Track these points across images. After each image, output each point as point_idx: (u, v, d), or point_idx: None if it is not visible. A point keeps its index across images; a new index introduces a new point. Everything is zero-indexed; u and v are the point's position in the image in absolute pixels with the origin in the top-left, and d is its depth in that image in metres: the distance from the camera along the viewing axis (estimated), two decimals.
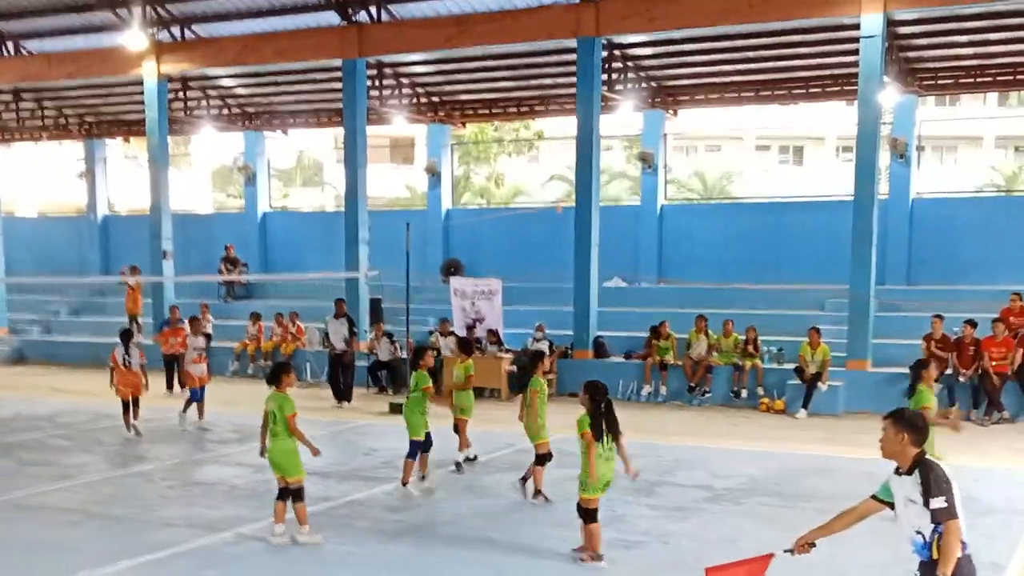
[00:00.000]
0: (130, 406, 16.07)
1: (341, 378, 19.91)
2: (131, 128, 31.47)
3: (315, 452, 9.81)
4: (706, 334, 19.85)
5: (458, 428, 13.34)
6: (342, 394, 19.76)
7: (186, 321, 19.77)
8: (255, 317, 24.19)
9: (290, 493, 9.74)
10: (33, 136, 32.98)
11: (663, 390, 19.98)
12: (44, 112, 30.62)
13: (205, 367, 17.33)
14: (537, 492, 11.47)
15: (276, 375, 9.85)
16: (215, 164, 50.88)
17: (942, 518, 5.46)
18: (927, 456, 5.64)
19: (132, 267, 27.01)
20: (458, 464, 13.23)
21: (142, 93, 25.64)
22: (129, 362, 16.22)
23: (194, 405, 16.94)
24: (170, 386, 21.05)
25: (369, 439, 15.80)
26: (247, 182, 31.25)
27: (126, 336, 16.69)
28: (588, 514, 8.88)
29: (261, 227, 30.81)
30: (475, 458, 13.60)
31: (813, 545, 6.01)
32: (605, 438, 8.74)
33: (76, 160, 36.52)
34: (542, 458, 11.59)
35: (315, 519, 10.82)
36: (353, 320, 20.49)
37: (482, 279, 22.85)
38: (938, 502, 5.45)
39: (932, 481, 5.50)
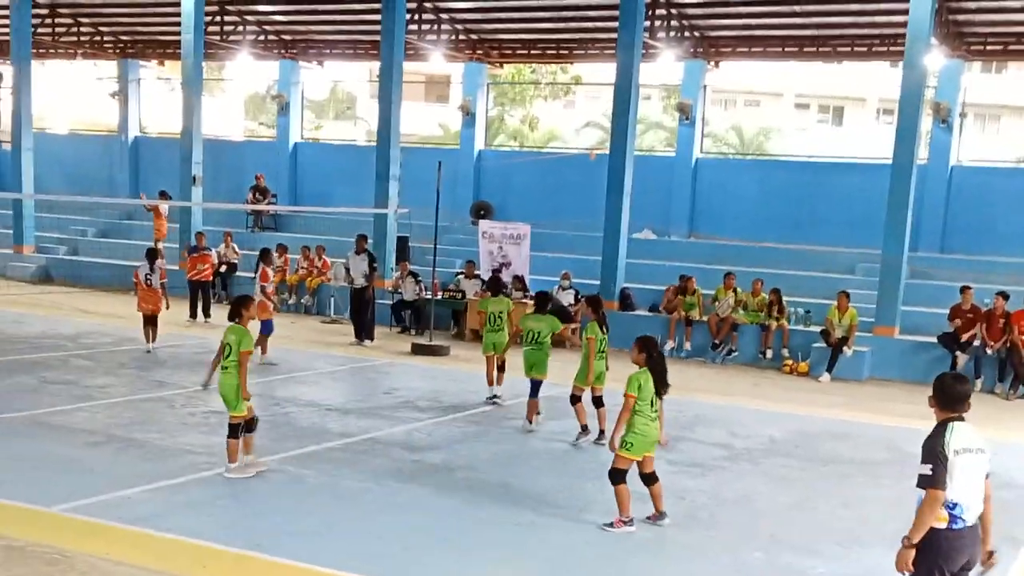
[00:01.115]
0: (149, 323, 16.44)
1: (359, 315, 19.74)
2: (166, 50, 31.27)
3: (246, 396, 9.57)
4: (734, 291, 19.67)
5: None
6: (363, 331, 19.57)
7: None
8: (281, 249, 24.12)
9: (244, 428, 9.61)
10: (68, 54, 32.87)
11: (687, 346, 19.84)
12: (80, 30, 30.50)
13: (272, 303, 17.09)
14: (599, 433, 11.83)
15: (237, 309, 9.74)
16: (249, 91, 50.73)
17: (921, 484, 5.45)
18: (950, 421, 5.54)
19: (162, 192, 26.93)
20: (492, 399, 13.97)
21: (179, 14, 25.43)
22: (151, 280, 16.57)
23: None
24: (194, 314, 21.00)
25: (390, 379, 15.78)
26: (280, 112, 31.09)
27: (151, 255, 16.99)
28: (615, 474, 8.58)
29: (292, 158, 30.69)
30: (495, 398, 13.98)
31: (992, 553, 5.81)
32: (659, 398, 8.55)
33: (109, 79, 36.44)
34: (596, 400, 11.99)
35: (333, 454, 10.89)
36: (374, 256, 20.31)
37: (511, 223, 22.69)
38: (923, 468, 5.45)
39: (925, 447, 5.51)
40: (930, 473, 5.38)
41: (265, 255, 17.89)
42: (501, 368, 14.02)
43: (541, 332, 12.63)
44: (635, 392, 8.45)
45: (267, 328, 16.40)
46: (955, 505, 5.34)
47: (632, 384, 8.49)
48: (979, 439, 5.59)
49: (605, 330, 11.79)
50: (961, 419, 5.53)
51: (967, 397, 5.61)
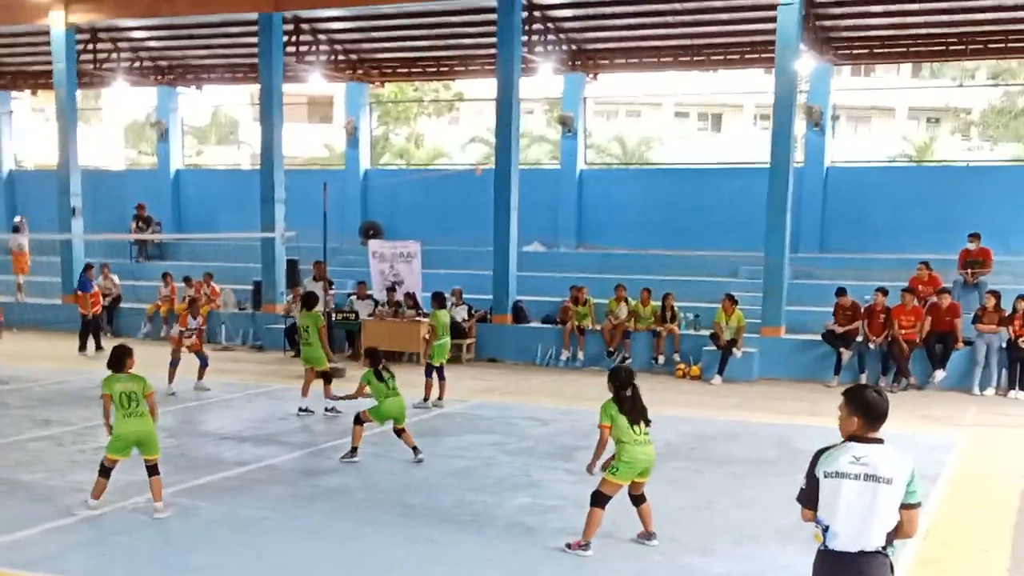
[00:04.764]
0: None
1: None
2: (38, 80, 30.48)
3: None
4: (626, 302, 19.96)
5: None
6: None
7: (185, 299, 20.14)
8: (167, 278, 23.71)
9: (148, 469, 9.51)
10: None
11: (580, 355, 20.06)
12: None
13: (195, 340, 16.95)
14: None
15: (123, 360, 9.61)
16: (127, 119, 49.69)
17: (797, 498, 5.48)
18: (845, 442, 5.32)
19: (15, 227, 26.43)
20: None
21: (49, 44, 24.85)
22: None
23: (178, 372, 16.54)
24: (84, 347, 20.70)
25: (285, 404, 15.58)
26: (160, 139, 30.53)
27: None
28: (597, 496, 8.45)
29: (175, 185, 30.17)
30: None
31: None
32: (641, 423, 8.45)
33: None
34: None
35: (229, 483, 10.73)
36: (332, 282, 20.15)
37: (401, 242, 22.62)
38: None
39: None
40: (799, 490, 5.42)
41: (192, 303, 17.65)
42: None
43: (447, 326, 15.77)
44: (607, 422, 8.40)
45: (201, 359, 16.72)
46: (826, 528, 5.26)
47: (603, 415, 8.45)
48: (883, 467, 5.18)
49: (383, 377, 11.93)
50: (864, 440, 5.26)
51: (879, 412, 5.29)
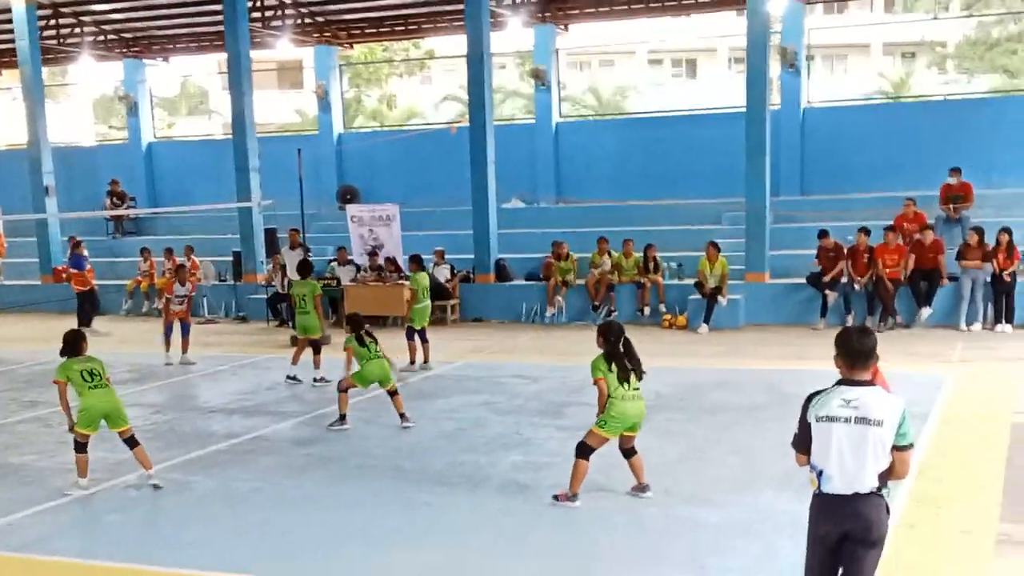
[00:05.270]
0: None
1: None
2: (2, 59, 30.04)
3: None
4: (608, 254, 19.90)
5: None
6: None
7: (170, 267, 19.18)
8: (146, 253, 23.49)
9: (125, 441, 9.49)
10: None
11: (566, 310, 20.00)
12: None
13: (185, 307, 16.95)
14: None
15: (78, 344, 9.60)
16: (95, 94, 49.14)
17: (792, 443, 5.50)
18: (836, 386, 5.31)
19: None
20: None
21: (10, 21, 24.44)
22: None
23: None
24: (88, 324, 20.47)
25: (271, 374, 15.49)
26: (129, 112, 30.20)
27: None
28: (581, 447, 8.45)
29: (147, 158, 29.90)
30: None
31: None
32: (631, 378, 8.38)
33: None
34: None
35: (220, 456, 10.66)
36: (308, 249, 20.00)
37: (379, 205, 22.46)
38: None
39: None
40: (793, 435, 5.43)
41: (179, 270, 17.48)
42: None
43: (427, 288, 15.74)
44: (601, 376, 8.35)
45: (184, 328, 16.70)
46: (820, 472, 5.26)
47: (594, 370, 8.39)
48: (874, 409, 5.17)
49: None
50: (853, 382, 5.26)
51: (863, 353, 5.27)
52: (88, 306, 20.90)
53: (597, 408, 8.50)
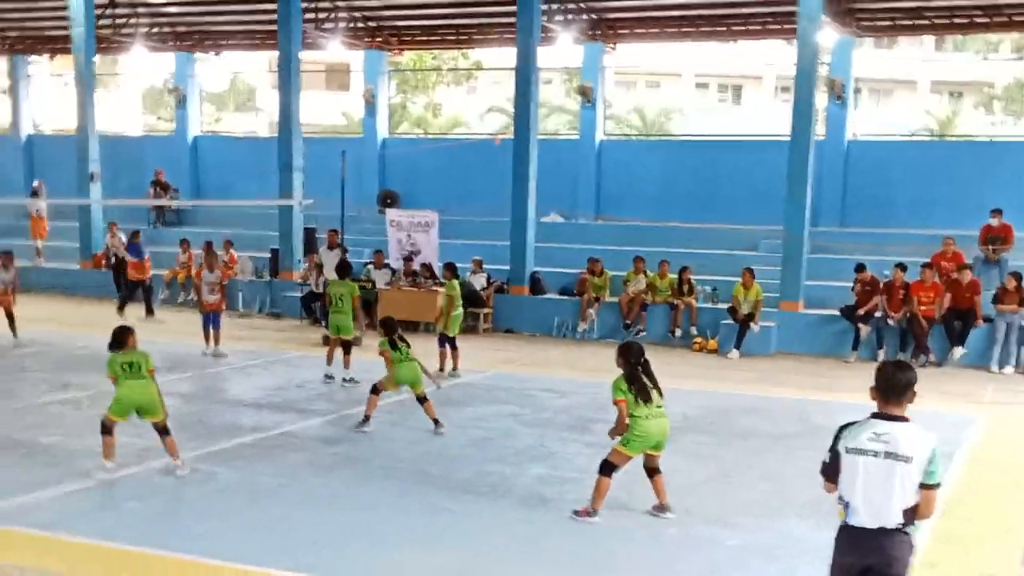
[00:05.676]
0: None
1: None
2: (56, 46, 30.44)
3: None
4: (644, 274, 19.90)
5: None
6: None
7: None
8: (185, 244, 23.71)
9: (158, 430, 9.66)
10: None
11: (597, 326, 20.00)
12: None
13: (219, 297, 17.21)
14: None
15: (123, 339, 9.67)
16: (145, 85, 49.65)
17: (820, 471, 5.51)
18: (870, 418, 5.33)
19: (33, 191, 26.47)
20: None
21: (67, 9, 24.77)
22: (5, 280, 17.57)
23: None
24: (150, 312, 21.15)
25: (303, 371, 15.59)
26: (178, 105, 30.51)
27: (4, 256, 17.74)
28: (605, 465, 8.49)
29: (192, 151, 30.16)
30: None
31: None
32: (653, 396, 8.41)
33: None
34: None
35: (246, 449, 10.75)
36: (346, 250, 20.18)
37: (419, 211, 22.57)
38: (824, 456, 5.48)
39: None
40: (823, 463, 5.44)
41: (207, 254, 17.82)
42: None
43: (459, 296, 15.89)
44: (622, 396, 8.37)
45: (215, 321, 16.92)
46: (847, 504, 5.28)
47: (615, 391, 8.43)
48: (903, 444, 5.17)
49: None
50: (886, 416, 5.26)
51: (897, 387, 5.27)
52: (130, 293, 21.24)
53: (617, 426, 8.49)
